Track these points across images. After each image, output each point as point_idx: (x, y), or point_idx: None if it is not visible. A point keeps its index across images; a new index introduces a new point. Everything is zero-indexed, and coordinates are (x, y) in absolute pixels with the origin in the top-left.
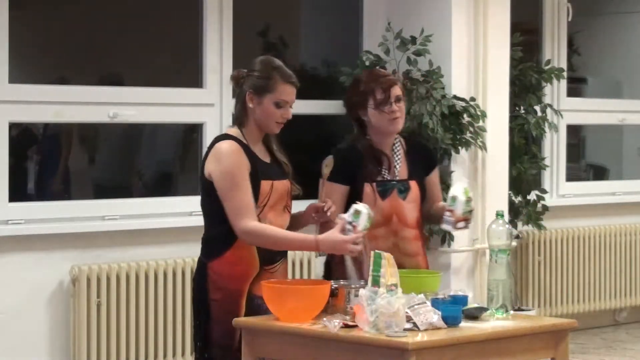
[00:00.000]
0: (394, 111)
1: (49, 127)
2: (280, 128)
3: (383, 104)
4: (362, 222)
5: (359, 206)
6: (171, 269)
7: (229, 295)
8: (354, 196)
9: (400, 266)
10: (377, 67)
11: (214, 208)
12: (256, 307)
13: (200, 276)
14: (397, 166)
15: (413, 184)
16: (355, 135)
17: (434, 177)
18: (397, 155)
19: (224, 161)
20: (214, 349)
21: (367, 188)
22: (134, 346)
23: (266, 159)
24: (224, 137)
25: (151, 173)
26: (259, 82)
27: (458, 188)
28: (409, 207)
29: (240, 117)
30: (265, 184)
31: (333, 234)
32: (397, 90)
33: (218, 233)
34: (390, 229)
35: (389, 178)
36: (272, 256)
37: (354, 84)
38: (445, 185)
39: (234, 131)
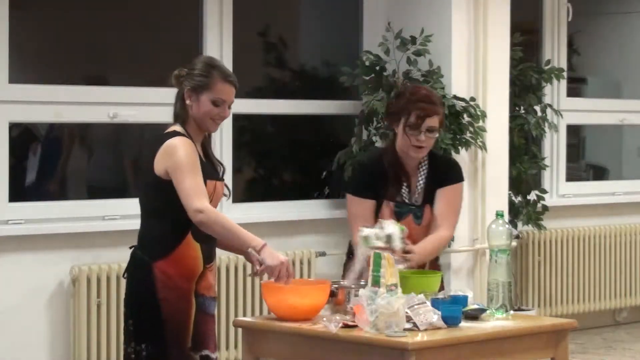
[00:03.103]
0: (419, 141)
1: (49, 127)
2: (218, 127)
3: (412, 129)
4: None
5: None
6: None
7: (182, 294)
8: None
9: None
10: (426, 87)
11: (160, 206)
12: (201, 305)
13: (145, 276)
14: (419, 188)
15: (427, 209)
16: (387, 145)
17: (445, 192)
18: (421, 176)
19: (180, 151)
20: (168, 350)
21: (385, 206)
22: None
23: (204, 158)
24: (173, 134)
25: None
26: (197, 80)
27: (391, 226)
28: (421, 232)
29: (181, 115)
30: (210, 184)
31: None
32: (432, 122)
33: (164, 232)
34: None
35: (407, 200)
36: (211, 254)
37: (398, 94)
38: None
39: (179, 128)
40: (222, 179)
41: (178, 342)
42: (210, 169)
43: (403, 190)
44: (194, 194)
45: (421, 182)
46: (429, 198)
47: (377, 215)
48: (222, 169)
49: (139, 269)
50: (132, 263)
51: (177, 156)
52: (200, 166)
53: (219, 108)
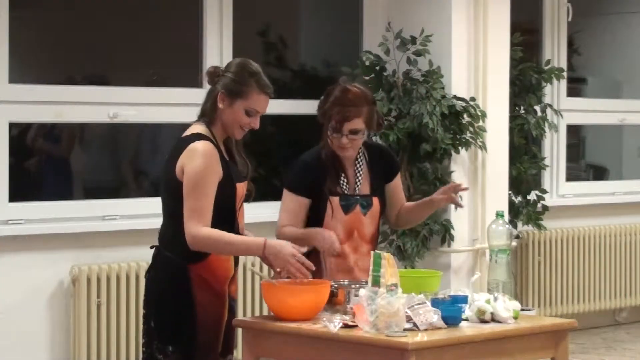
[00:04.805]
0: (342, 143)
1: (49, 127)
2: (243, 135)
3: (334, 132)
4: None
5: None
6: None
7: (217, 297)
8: (316, 208)
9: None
10: (353, 87)
11: None
12: (231, 308)
13: (179, 278)
14: (359, 180)
15: (375, 200)
16: (324, 140)
17: (396, 182)
18: (359, 169)
19: (198, 160)
20: (199, 353)
21: (330, 204)
22: (133, 346)
23: (227, 157)
24: (197, 136)
25: (151, 173)
26: (233, 85)
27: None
28: (368, 222)
29: (209, 115)
30: (239, 187)
31: (283, 243)
32: (354, 124)
33: None
34: (352, 245)
35: (348, 192)
36: (237, 258)
37: (325, 95)
38: (443, 183)
39: (203, 129)
40: (245, 179)
41: (209, 346)
42: (236, 170)
43: (342, 181)
44: (194, 216)
45: (360, 173)
46: (374, 189)
47: (319, 215)
48: (248, 167)
49: (170, 271)
50: (160, 264)
51: (194, 164)
52: (215, 182)
53: (251, 118)
